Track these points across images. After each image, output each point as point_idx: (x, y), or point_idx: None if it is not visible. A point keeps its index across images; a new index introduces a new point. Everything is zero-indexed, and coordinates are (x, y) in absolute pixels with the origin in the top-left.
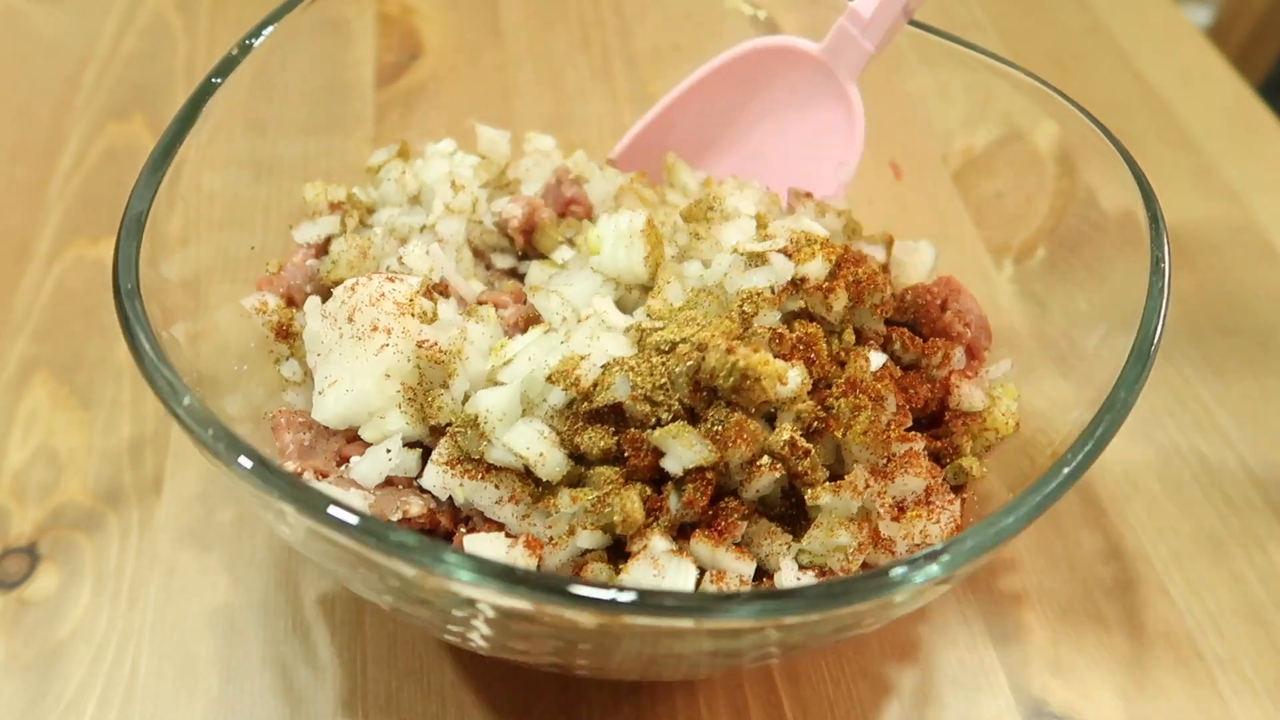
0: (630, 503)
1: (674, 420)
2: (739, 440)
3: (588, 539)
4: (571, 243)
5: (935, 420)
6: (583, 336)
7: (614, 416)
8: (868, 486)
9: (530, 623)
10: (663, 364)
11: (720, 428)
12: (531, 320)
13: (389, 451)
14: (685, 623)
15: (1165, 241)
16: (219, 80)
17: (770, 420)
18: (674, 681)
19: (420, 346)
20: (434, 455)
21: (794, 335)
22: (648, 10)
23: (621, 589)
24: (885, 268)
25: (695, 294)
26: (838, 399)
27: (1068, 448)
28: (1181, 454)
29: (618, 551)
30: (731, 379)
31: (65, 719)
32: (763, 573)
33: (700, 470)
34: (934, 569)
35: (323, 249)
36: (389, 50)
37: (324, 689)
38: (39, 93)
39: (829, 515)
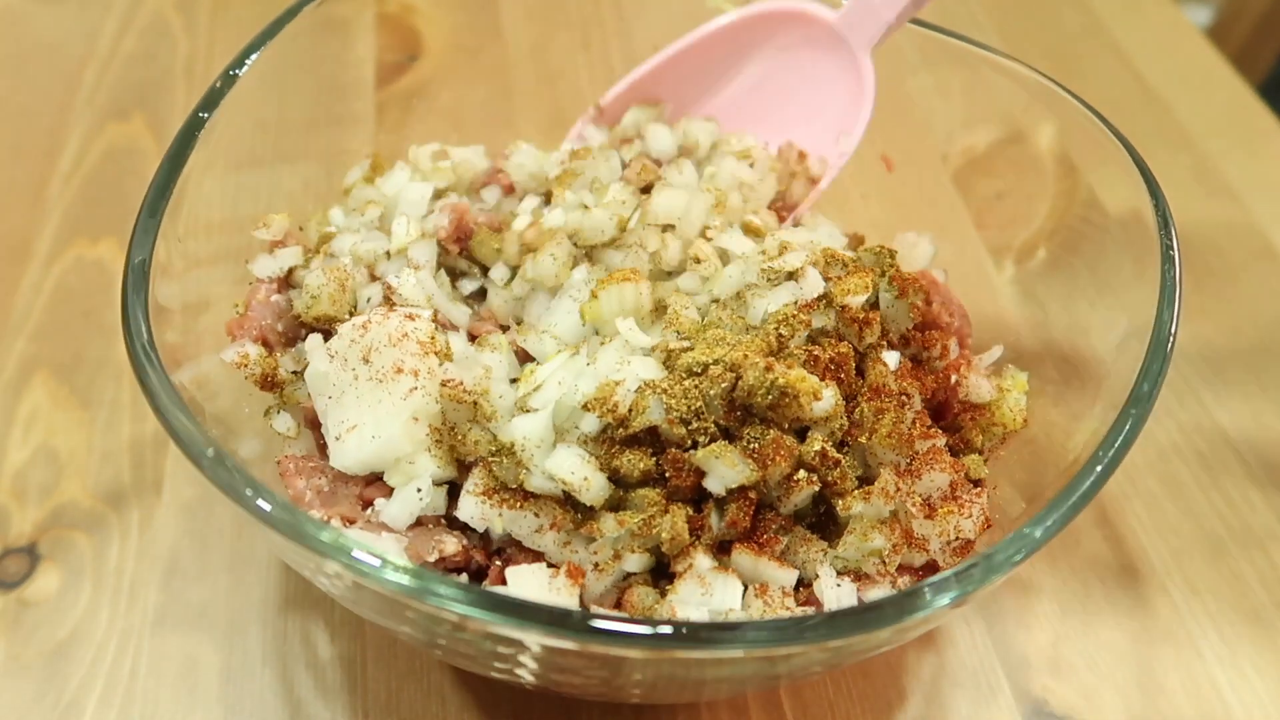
0: (679, 522)
1: (710, 440)
2: (778, 457)
3: (634, 562)
4: (499, 251)
5: (938, 414)
6: (610, 359)
7: (649, 438)
8: (898, 490)
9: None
10: (695, 386)
11: (758, 445)
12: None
13: (420, 491)
14: (790, 649)
15: (1174, 232)
16: (205, 115)
17: (799, 434)
18: None
19: (445, 386)
20: (467, 487)
21: (827, 355)
22: (647, 10)
23: (736, 625)
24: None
25: (711, 308)
26: (863, 405)
27: (1096, 445)
28: (1181, 454)
29: (658, 573)
30: (770, 396)
31: (65, 719)
32: (800, 581)
33: (742, 489)
34: (1018, 556)
35: (285, 282)
36: (389, 50)
37: (324, 689)
38: (39, 93)
39: (861, 521)
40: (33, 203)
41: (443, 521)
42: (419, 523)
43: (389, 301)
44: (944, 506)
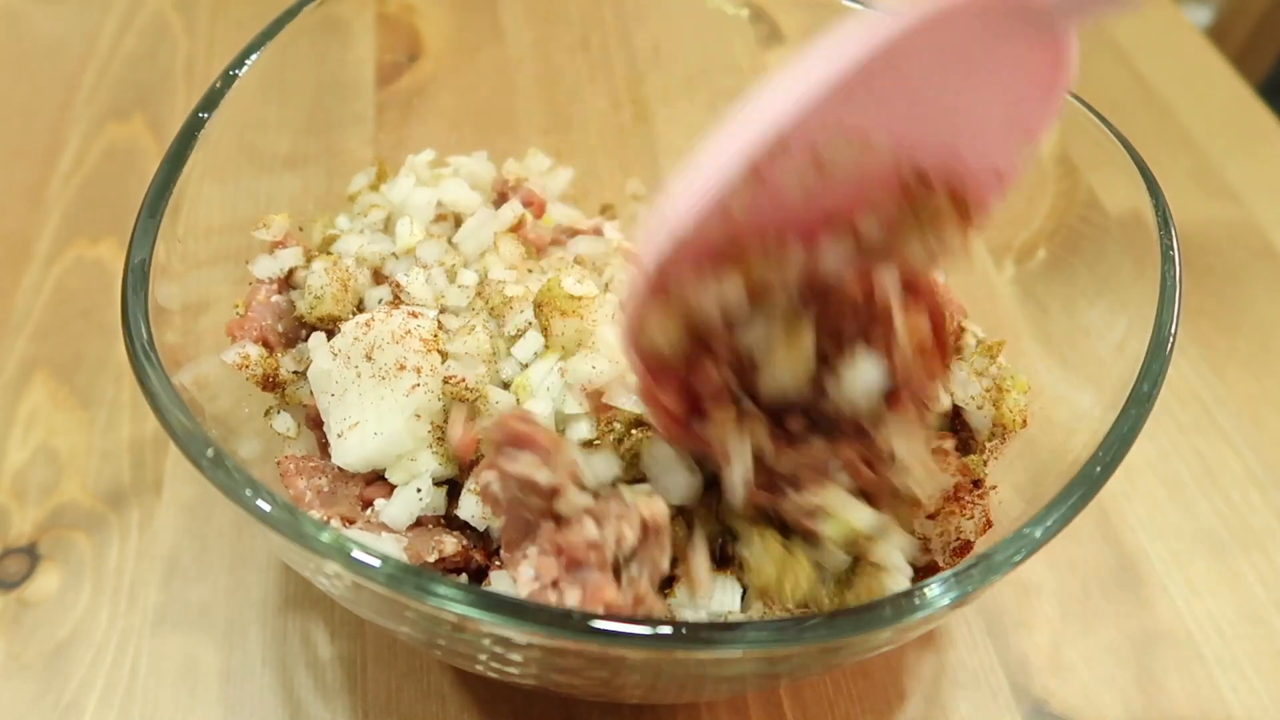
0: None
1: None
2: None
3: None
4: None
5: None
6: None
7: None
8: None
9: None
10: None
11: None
12: None
13: (419, 491)
14: (790, 649)
15: (1174, 232)
16: (205, 115)
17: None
18: None
19: (447, 383)
20: (468, 486)
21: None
22: (647, 10)
23: (735, 625)
24: None
25: None
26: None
27: (1096, 445)
28: (1181, 454)
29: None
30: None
31: (65, 719)
32: None
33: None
34: (1018, 556)
35: (285, 283)
36: (389, 50)
37: (324, 689)
38: (39, 93)
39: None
40: (33, 203)
41: (442, 521)
42: (419, 523)
43: (398, 301)
44: (944, 506)
